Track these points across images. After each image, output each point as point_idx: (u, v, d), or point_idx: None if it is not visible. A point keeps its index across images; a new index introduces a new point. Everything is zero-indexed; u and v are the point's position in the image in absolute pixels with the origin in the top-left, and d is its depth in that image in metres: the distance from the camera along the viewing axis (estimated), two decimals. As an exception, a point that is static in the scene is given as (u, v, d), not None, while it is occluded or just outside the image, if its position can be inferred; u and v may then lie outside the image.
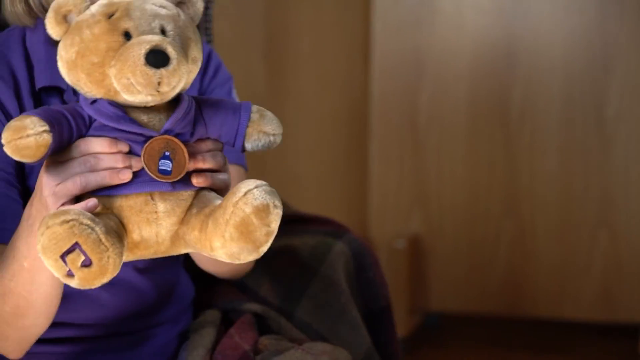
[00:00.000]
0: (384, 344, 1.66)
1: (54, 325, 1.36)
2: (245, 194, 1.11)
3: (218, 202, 1.15)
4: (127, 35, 1.11)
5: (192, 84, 1.46)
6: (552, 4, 2.99)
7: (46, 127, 1.09)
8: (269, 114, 1.19)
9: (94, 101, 1.13)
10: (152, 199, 1.14)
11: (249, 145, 1.18)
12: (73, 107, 1.14)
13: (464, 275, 3.12)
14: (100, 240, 1.07)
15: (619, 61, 2.96)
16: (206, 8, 1.80)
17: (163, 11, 1.13)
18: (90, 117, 1.13)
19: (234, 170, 1.46)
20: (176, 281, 1.56)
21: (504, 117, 3.05)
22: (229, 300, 1.59)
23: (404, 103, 3.10)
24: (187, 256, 1.59)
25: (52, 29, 1.13)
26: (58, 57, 1.14)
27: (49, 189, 1.14)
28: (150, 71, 1.08)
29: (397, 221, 3.14)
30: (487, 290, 3.10)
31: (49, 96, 1.39)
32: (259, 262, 1.60)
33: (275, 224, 1.12)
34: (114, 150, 1.13)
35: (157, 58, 1.07)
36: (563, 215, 3.04)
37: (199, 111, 1.17)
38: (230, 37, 3.13)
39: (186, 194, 1.15)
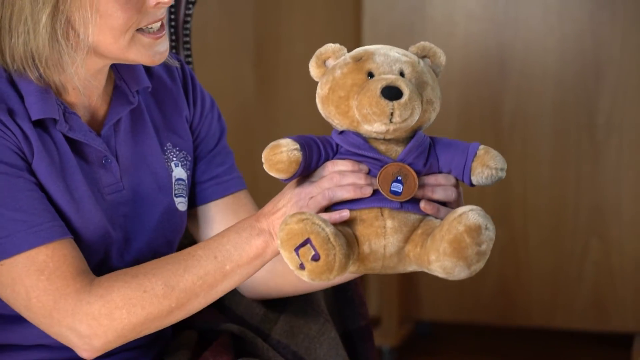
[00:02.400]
0: (364, 365, 1.65)
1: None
2: (461, 214, 1.26)
3: (437, 223, 1.30)
4: (371, 75, 1.30)
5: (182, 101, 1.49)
6: (544, 11, 2.97)
7: (297, 147, 1.29)
8: (493, 151, 1.32)
9: (342, 132, 1.32)
10: (382, 215, 1.30)
11: (474, 179, 1.32)
12: (324, 136, 1.34)
13: (456, 285, 3.10)
14: (329, 238, 1.24)
15: (611, 69, 2.94)
16: (185, 22, 1.78)
17: (404, 58, 1.32)
18: (337, 144, 1.33)
19: (246, 195, 1.60)
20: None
21: (496, 125, 3.03)
22: (206, 320, 1.57)
23: (395, 110, 3.09)
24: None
25: (313, 70, 1.35)
26: (317, 95, 1.34)
27: (302, 204, 1.31)
28: (384, 102, 1.26)
29: (388, 230, 3.12)
30: (479, 300, 3.09)
31: (43, 124, 1.39)
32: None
33: (485, 246, 1.27)
34: (356, 169, 1.31)
35: (391, 92, 1.26)
36: (555, 224, 3.03)
37: (433, 147, 1.34)
38: (220, 44, 3.12)
39: (413, 217, 1.30)
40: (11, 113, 1.36)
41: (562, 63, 2.98)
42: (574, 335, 3.09)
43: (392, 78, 1.27)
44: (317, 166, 1.33)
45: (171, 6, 1.72)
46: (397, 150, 1.31)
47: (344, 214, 1.29)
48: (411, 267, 1.33)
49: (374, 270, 1.32)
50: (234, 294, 1.59)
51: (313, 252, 1.24)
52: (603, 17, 2.93)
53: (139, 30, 1.36)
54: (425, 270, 1.30)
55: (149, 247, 1.46)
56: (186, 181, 1.52)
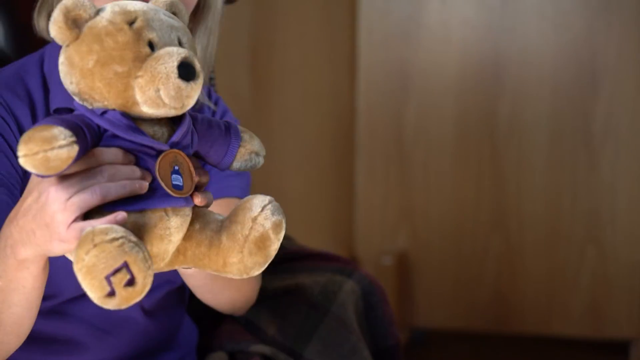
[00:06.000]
0: (394, 383, 1.65)
1: None
2: (263, 209, 1.12)
3: (218, 217, 1.15)
4: (151, 46, 1.09)
5: None
6: (540, 19, 2.98)
7: (74, 138, 1.03)
8: (255, 135, 1.19)
9: (104, 112, 1.09)
10: (167, 214, 1.10)
11: (237, 164, 1.18)
12: (82, 117, 1.09)
13: (451, 291, 3.10)
14: (146, 258, 1.03)
15: (607, 77, 2.96)
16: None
17: (175, 22, 1.13)
18: (99, 127, 1.09)
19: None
20: (180, 324, 1.54)
21: (491, 132, 3.04)
22: (236, 341, 1.55)
23: (390, 117, 3.08)
24: (191, 298, 1.57)
25: (62, 33, 1.08)
26: (66, 63, 1.09)
27: (59, 204, 1.06)
28: (182, 85, 1.06)
29: (384, 237, 3.12)
30: (474, 306, 3.09)
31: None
32: (268, 301, 1.58)
33: (282, 238, 1.15)
34: (127, 161, 1.09)
35: (188, 71, 1.06)
36: (551, 231, 3.04)
37: (193, 126, 1.16)
38: (215, 51, 3.09)
39: (189, 210, 1.13)
40: (32, 106, 1.38)
41: (557, 70, 2.99)
42: (569, 342, 3.10)
43: (184, 53, 1.07)
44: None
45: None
46: (163, 133, 1.12)
47: (120, 217, 1.05)
48: (181, 266, 1.16)
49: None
50: (264, 313, 1.57)
51: (129, 277, 1.03)
52: (599, 25, 2.94)
53: None
54: (211, 271, 1.15)
55: None
56: None
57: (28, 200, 1.10)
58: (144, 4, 1.12)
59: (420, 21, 3.04)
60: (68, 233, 1.06)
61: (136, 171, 1.09)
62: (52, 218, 1.07)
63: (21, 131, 1.36)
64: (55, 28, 1.08)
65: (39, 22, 1.44)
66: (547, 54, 2.99)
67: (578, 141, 2.99)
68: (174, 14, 1.15)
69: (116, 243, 1.02)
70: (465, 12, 3.02)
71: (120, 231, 1.03)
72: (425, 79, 3.05)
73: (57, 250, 1.09)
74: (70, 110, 1.36)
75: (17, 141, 1.30)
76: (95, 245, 1.01)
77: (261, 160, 1.19)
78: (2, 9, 1.71)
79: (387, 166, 3.10)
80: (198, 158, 1.17)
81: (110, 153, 1.09)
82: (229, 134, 1.17)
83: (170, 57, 1.06)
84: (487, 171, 3.05)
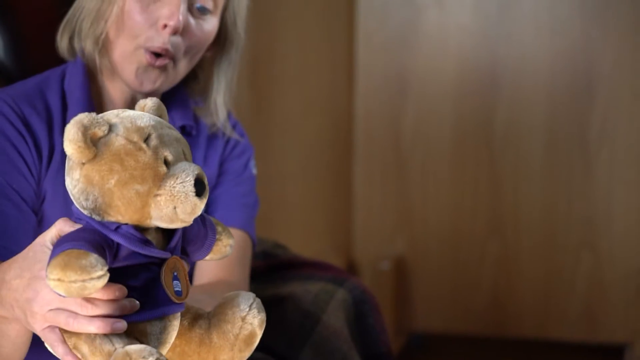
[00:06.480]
0: (385, 389, 1.67)
1: None
2: (250, 308, 1.17)
3: (201, 311, 1.19)
4: (165, 162, 1.11)
5: (215, 152, 1.50)
6: (536, 27, 3.00)
7: (107, 266, 1.05)
8: (226, 227, 1.21)
9: (118, 227, 1.10)
10: (169, 320, 1.15)
11: (213, 256, 1.20)
12: (98, 233, 1.10)
13: (448, 296, 3.13)
14: None
15: (602, 84, 2.98)
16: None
17: (178, 134, 1.15)
18: (115, 244, 1.10)
19: (241, 235, 1.53)
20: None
21: (488, 138, 3.06)
22: (230, 348, 1.58)
23: (388, 123, 3.11)
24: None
25: (81, 153, 1.08)
26: (84, 181, 1.09)
27: (41, 308, 1.10)
28: (197, 201, 1.09)
29: (382, 242, 3.14)
30: (471, 311, 3.11)
31: None
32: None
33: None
34: (120, 295, 1.10)
35: (201, 189, 1.09)
36: (547, 236, 3.06)
37: None
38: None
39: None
40: (50, 121, 1.43)
41: (554, 78, 3.01)
42: (565, 346, 3.12)
43: (197, 170, 1.10)
44: None
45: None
46: (159, 239, 1.14)
47: (119, 325, 1.09)
48: None
49: None
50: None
51: None
52: (595, 32, 2.96)
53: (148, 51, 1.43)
54: None
55: None
56: None
57: (24, 274, 1.13)
58: (149, 117, 1.13)
59: (418, 28, 3.06)
60: (42, 333, 1.12)
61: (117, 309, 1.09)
62: (32, 314, 1.12)
63: (37, 146, 1.41)
64: (74, 147, 1.08)
65: (61, 43, 1.50)
66: (543, 61, 3.01)
67: (574, 147, 3.01)
68: (160, 116, 1.17)
69: None
70: (463, 19, 3.04)
71: (156, 352, 1.07)
72: (423, 85, 3.07)
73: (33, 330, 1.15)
74: None
75: (33, 156, 1.36)
76: None
77: (230, 251, 1.21)
78: (3, 21, 1.73)
79: (385, 171, 3.13)
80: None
81: (107, 291, 1.09)
82: (204, 228, 1.18)
83: (186, 175, 1.09)
84: (484, 176, 3.08)
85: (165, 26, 1.43)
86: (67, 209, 1.43)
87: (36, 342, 1.30)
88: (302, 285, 1.65)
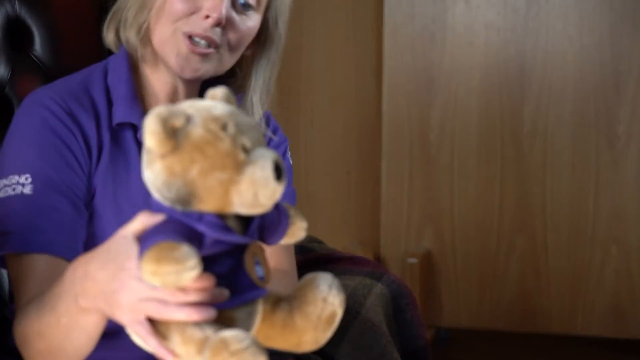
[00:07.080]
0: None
1: None
2: (330, 288, 1.21)
3: (279, 294, 1.20)
4: (243, 149, 1.11)
5: None
6: (564, 22, 3.00)
7: (199, 256, 1.06)
8: (298, 211, 1.22)
9: (201, 216, 1.11)
10: (254, 305, 1.17)
11: (287, 240, 1.22)
12: (183, 224, 1.10)
13: (475, 291, 3.13)
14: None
15: (630, 79, 2.97)
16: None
17: (252, 122, 1.15)
18: (200, 233, 1.10)
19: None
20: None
21: (516, 134, 3.06)
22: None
23: (415, 119, 3.11)
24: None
25: (163, 145, 1.08)
26: (166, 173, 1.09)
27: (130, 298, 1.11)
28: (277, 186, 1.09)
29: (409, 238, 3.14)
30: (498, 306, 3.11)
31: (123, 130, 1.49)
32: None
33: None
34: (210, 284, 1.11)
35: (279, 174, 1.09)
36: (574, 231, 3.05)
37: None
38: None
39: None
40: (97, 118, 1.46)
41: (581, 73, 3.01)
42: (593, 342, 3.12)
43: (275, 156, 1.10)
44: None
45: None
46: (237, 224, 1.14)
47: (210, 312, 1.10)
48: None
49: None
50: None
51: None
52: (623, 28, 2.96)
53: (187, 36, 1.45)
54: (280, 349, 1.21)
55: None
56: None
57: (107, 265, 1.13)
58: (224, 106, 1.13)
59: (445, 24, 3.06)
60: (131, 325, 1.13)
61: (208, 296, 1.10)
62: (119, 305, 1.13)
63: (86, 142, 1.44)
64: (155, 139, 1.08)
65: (107, 36, 1.52)
66: (571, 56, 3.01)
67: (602, 142, 3.01)
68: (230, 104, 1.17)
69: (250, 350, 1.06)
70: (490, 15, 3.04)
71: (248, 337, 1.07)
72: (450, 82, 3.07)
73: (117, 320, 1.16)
74: (132, 125, 1.47)
75: (83, 152, 1.38)
76: (232, 354, 1.06)
77: (304, 234, 1.22)
78: (40, 17, 1.74)
79: (412, 168, 3.13)
80: None
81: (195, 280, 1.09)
82: (277, 213, 1.19)
83: (265, 161, 1.09)
84: (511, 172, 3.07)
85: (207, 17, 1.44)
86: (116, 204, 1.45)
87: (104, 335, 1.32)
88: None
